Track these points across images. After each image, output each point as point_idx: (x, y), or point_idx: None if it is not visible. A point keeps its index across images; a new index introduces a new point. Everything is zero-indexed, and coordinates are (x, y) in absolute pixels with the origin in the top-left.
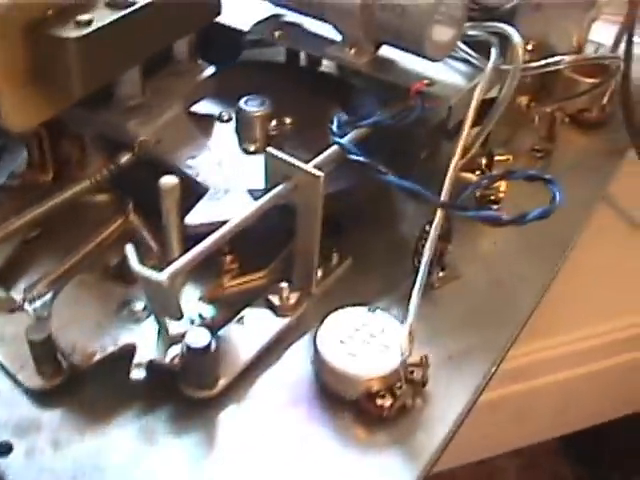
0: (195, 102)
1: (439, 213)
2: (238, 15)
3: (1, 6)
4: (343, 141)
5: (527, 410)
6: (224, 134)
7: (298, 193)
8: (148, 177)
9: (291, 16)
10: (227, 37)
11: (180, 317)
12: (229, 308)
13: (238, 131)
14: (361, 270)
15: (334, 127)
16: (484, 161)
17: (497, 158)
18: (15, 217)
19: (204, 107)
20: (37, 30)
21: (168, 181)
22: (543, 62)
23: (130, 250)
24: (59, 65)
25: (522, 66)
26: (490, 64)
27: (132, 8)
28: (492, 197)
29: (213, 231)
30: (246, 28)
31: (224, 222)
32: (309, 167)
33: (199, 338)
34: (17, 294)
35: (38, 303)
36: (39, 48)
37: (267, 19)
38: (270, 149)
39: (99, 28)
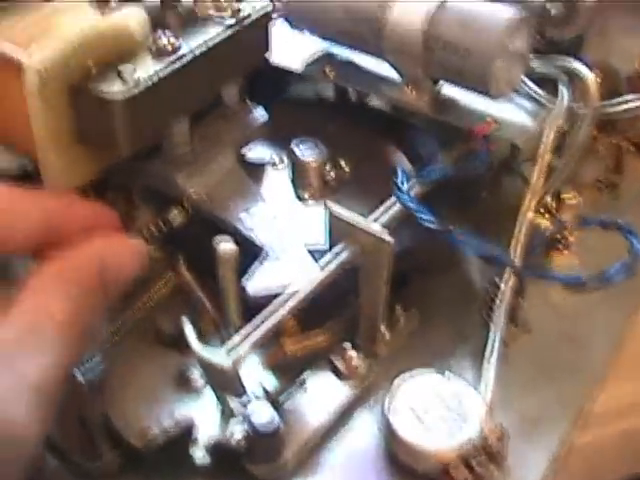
0: (245, 146)
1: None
2: (287, 52)
3: (43, 69)
4: (413, 205)
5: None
6: (277, 181)
7: (364, 255)
8: (201, 232)
9: (342, 52)
10: (274, 74)
11: (242, 394)
12: (290, 371)
13: (293, 178)
14: (427, 323)
15: (399, 182)
16: (551, 201)
17: (565, 198)
18: None
19: (252, 149)
20: (81, 90)
21: (225, 247)
22: (621, 108)
23: (188, 325)
24: (105, 125)
25: (597, 105)
26: (563, 104)
27: (177, 55)
28: (561, 240)
29: (274, 297)
30: (299, 68)
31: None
32: (377, 229)
33: (264, 417)
34: None
35: (87, 366)
36: (84, 108)
37: (319, 58)
38: (331, 206)
39: (146, 87)
